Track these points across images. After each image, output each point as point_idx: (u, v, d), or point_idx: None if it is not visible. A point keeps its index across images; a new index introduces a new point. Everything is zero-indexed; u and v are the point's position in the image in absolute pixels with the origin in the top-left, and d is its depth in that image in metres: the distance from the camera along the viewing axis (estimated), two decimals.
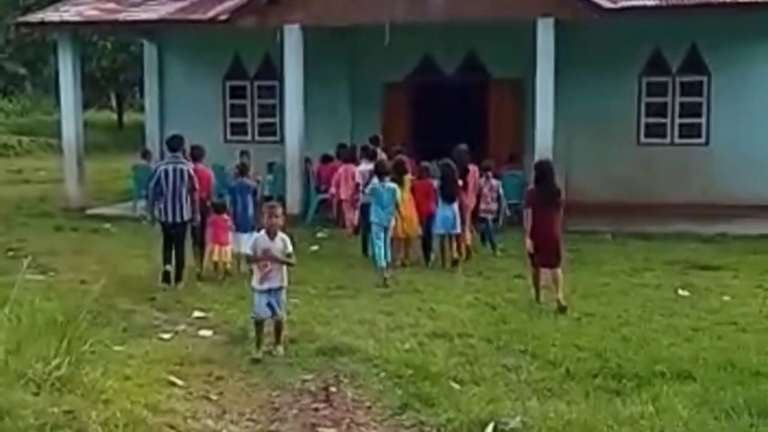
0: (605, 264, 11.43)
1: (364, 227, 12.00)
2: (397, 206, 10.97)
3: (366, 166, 12.70)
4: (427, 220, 11.58)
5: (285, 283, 7.34)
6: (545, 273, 9.07)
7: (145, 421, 4.85)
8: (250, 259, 7.46)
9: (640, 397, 5.80)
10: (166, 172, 10.35)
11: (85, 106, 18.94)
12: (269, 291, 7.21)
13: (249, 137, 18.45)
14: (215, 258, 10.64)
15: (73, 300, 7.36)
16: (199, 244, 10.98)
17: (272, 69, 17.61)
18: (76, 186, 17.27)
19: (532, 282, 9.25)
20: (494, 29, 15.12)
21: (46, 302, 7.39)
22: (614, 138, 16.41)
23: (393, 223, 11.01)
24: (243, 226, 10.74)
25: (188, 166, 10.54)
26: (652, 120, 16.60)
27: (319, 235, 13.98)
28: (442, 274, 10.85)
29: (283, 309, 7.32)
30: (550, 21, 14.01)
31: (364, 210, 11.76)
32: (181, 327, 8.06)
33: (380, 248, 10.67)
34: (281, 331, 7.33)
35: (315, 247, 12.70)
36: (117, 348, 6.76)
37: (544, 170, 9.50)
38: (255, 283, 7.25)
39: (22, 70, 40.01)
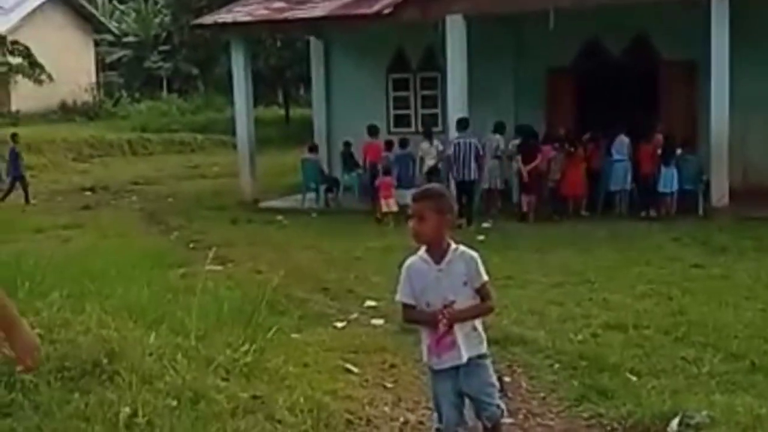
0: None
1: None
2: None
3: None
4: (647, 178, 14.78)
5: (485, 346, 4.13)
6: None
7: (327, 407, 4.98)
8: (408, 318, 4.12)
9: None
10: (458, 144, 14.35)
11: (254, 102, 19.68)
12: (457, 371, 4.03)
13: (412, 128, 18.64)
14: (385, 209, 14.73)
15: (251, 289, 7.70)
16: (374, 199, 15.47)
17: (434, 60, 17.69)
18: (249, 180, 18.01)
19: None
20: (664, 9, 14.57)
21: (228, 291, 7.74)
22: None
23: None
24: (406, 183, 15.10)
25: (475, 140, 14.46)
26: None
27: (484, 225, 13.96)
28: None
29: (494, 398, 4.13)
30: None
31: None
32: (354, 316, 8.21)
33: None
34: None
35: (481, 237, 12.69)
36: (294, 336, 6.95)
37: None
38: (425, 356, 4.12)
39: (195, 71, 42.04)
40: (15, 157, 19.69)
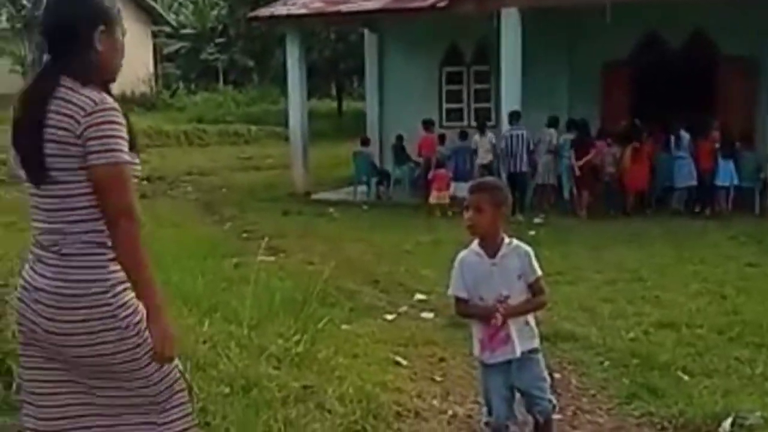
0: None
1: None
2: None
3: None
4: (704, 174, 14.55)
5: (537, 340, 4.17)
6: None
7: (376, 399, 5.02)
8: (462, 311, 4.09)
9: None
10: (510, 137, 14.68)
11: (308, 95, 19.79)
12: (509, 365, 4.04)
13: (465, 122, 18.58)
14: (435, 201, 14.96)
15: (303, 280, 7.77)
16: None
17: (488, 54, 17.61)
18: (302, 172, 18.15)
19: None
20: (723, 4, 14.31)
21: (280, 282, 7.83)
22: None
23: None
24: (463, 176, 15.10)
25: (526, 132, 14.73)
26: None
27: (536, 220, 13.89)
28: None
29: (546, 392, 4.17)
30: None
31: None
32: (404, 308, 8.23)
33: None
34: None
35: (532, 232, 12.62)
36: (345, 327, 7.00)
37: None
38: (477, 350, 4.12)
39: (251, 63, 42.38)
40: None
